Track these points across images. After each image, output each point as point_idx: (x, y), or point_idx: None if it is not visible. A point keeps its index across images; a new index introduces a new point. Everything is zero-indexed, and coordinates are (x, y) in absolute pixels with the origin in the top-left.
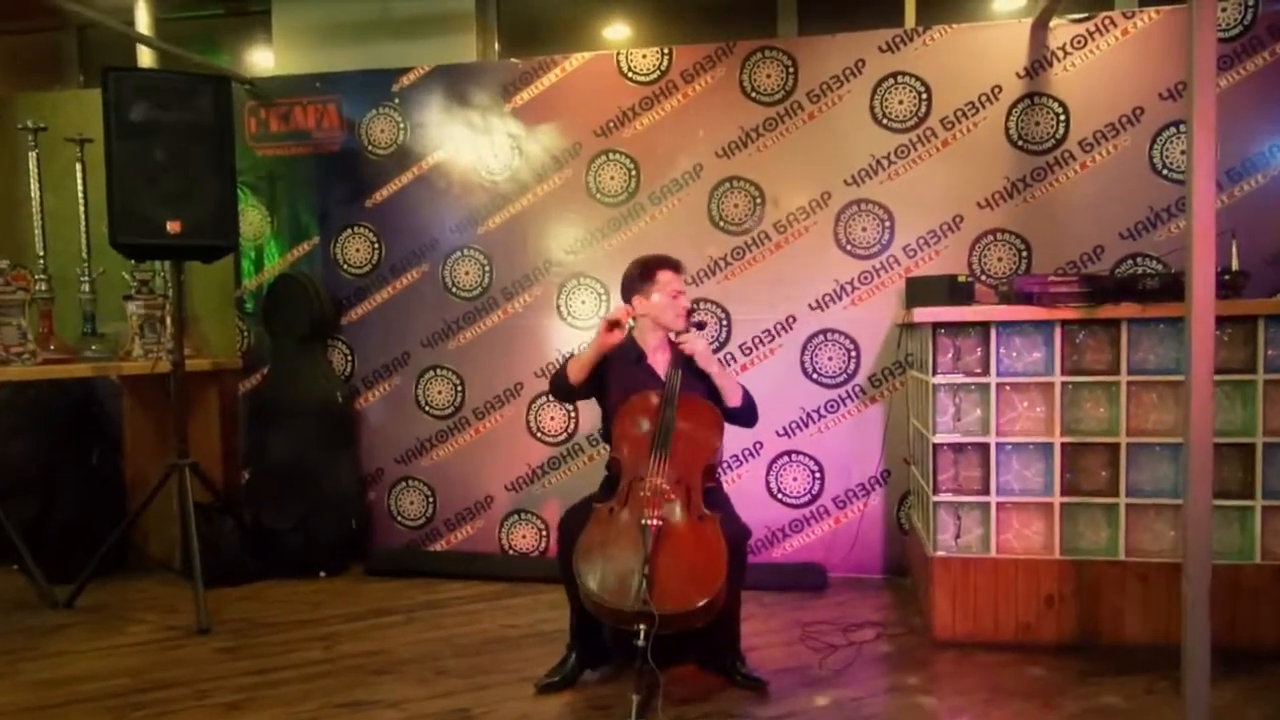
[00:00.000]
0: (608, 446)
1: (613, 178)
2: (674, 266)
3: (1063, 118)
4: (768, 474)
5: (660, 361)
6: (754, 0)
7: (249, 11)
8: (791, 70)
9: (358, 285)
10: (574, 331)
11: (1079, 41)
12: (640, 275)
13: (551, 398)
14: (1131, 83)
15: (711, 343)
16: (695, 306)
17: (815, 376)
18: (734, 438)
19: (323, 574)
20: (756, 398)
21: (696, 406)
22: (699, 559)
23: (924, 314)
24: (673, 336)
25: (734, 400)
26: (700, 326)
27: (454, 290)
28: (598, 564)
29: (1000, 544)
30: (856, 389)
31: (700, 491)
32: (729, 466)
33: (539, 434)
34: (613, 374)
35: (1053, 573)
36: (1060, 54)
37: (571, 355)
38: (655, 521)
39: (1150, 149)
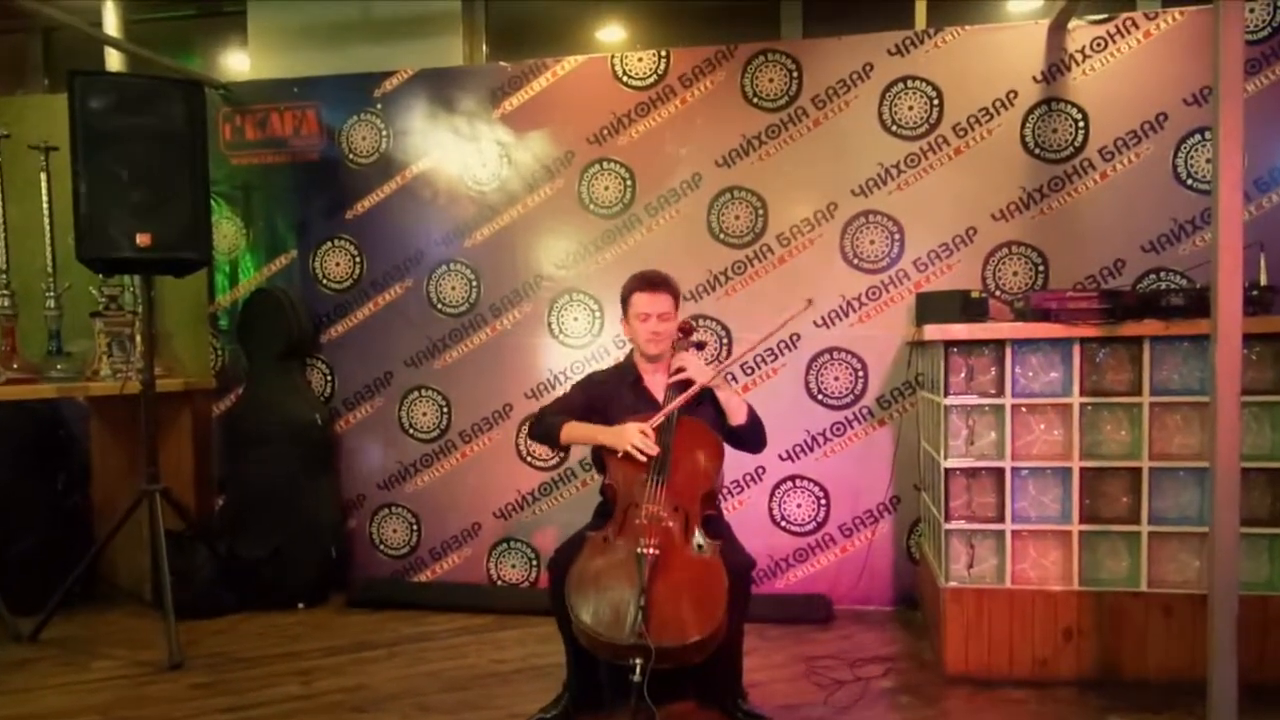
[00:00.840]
0: (601, 473)
1: (607, 188)
2: (651, 286)
3: (1081, 124)
4: (770, 500)
5: (658, 384)
6: (755, 2)
7: (223, 13)
8: (795, 74)
9: (338, 301)
10: (566, 350)
11: (1098, 44)
12: (622, 297)
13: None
14: (1154, 88)
15: (710, 361)
16: (694, 324)
17: (821, 397)
18: (734, 462)
19: (301, 606)
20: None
21: (695, 430)
22: (698, 590)
23: (935, 331)
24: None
25: (739, 417)
26: (700, 346)
27: (439, 307)
28: (591, 595)
29: (1016, 574)
30: (864, 411)
31: (699, 519)
32: (729, 492)
33: (529, 458)
34: (607, 397)
35: (1071, 605)
36: (1079, 57)
37: (562, 409)
38: (652, 550)
39: (1174, 157)
